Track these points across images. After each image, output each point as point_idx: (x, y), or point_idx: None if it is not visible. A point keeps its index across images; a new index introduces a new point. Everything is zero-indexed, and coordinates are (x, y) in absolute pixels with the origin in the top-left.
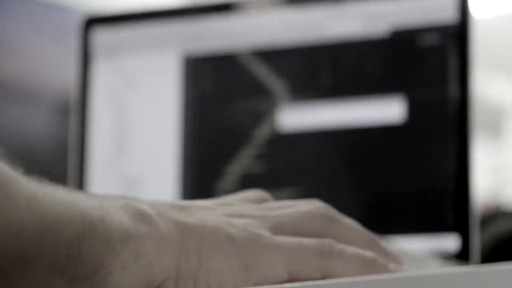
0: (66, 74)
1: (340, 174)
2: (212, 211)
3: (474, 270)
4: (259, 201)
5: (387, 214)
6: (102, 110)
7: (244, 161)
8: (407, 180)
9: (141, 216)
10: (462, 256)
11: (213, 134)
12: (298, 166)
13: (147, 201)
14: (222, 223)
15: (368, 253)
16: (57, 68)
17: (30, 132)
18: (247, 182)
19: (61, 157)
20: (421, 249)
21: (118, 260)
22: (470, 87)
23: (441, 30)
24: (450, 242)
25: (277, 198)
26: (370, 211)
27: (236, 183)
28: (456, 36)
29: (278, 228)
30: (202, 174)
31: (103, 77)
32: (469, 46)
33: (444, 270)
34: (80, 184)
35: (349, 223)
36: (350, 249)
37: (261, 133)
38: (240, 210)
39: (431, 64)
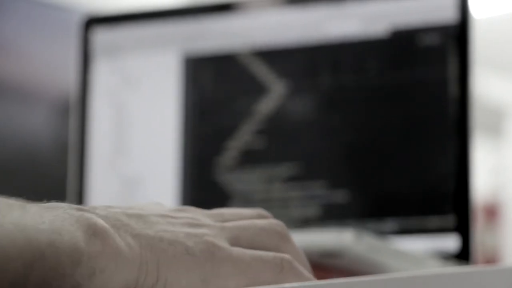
0: (66, 74)
1: (340, 176)
2: (169, 220)
3: (474, 270)
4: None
5: (387, 214)
6: (102, 110)
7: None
8: (407, 180)
9: (95, 231)
10: (462, 256)
11: (213, 134)
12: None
13: (104, 210)
14: (180, 235)
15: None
16: (57, 68)
17: (30, 132)
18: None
19: (61, 157)
20: (421, 249)
21: (69, 282)
22: (470, 87)
23: (441, 30)
24: (450, 242)
25: (279, 173)
26: (370, 211)
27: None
28: (456, 36)
29: (235, 240)
30: (201, 174)
31: (103, 77)
32: (469, 46)
33: (444, 270)
34: (80, 184)
35: (297, 247)
36: (306, 272)
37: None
38: (198, 219)
39: (431, 64)
